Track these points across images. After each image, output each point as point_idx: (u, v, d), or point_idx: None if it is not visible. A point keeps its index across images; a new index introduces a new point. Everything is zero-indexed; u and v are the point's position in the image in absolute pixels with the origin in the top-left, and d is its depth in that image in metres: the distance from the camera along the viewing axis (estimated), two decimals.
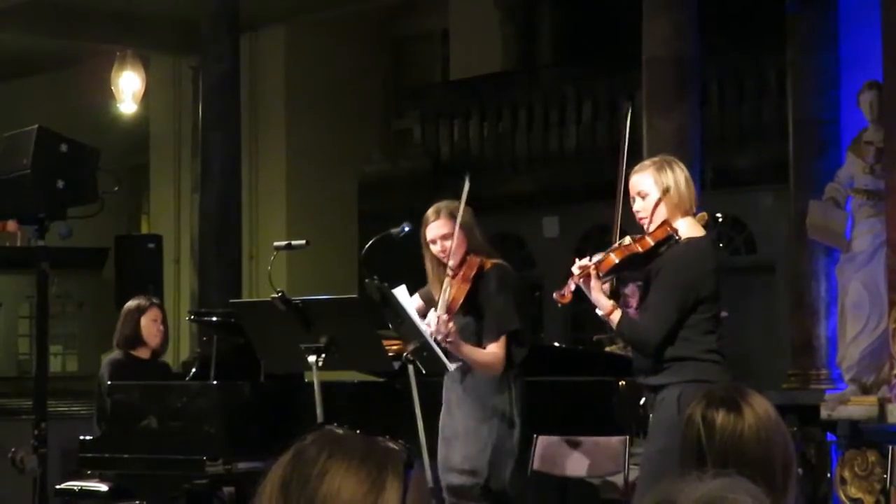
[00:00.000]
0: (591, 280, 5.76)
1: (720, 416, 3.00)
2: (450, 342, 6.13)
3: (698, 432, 3.00)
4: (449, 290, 6.24)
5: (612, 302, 5.83)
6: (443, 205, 6.39)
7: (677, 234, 5.79)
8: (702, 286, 5.74)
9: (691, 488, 1.95)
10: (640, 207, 5.84)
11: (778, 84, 13.09)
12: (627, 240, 5.85)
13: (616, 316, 5.81)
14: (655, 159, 5.96)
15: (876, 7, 9.57)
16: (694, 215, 5.86)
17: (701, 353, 5.73)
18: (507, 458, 6.27)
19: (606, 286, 5.89)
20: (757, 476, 2.84)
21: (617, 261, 5.80)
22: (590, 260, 5.83)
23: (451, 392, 6.38)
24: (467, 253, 6.33)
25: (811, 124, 11.15)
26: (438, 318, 6.13)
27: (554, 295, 5.96)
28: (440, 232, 6.30)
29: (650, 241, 5.79)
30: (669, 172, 5.79)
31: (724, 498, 1.93)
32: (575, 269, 5.83)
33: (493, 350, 6.26)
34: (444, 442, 6.37)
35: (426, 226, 6.36)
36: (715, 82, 14.05)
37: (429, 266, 6.41)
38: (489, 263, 6.34)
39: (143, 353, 8.62)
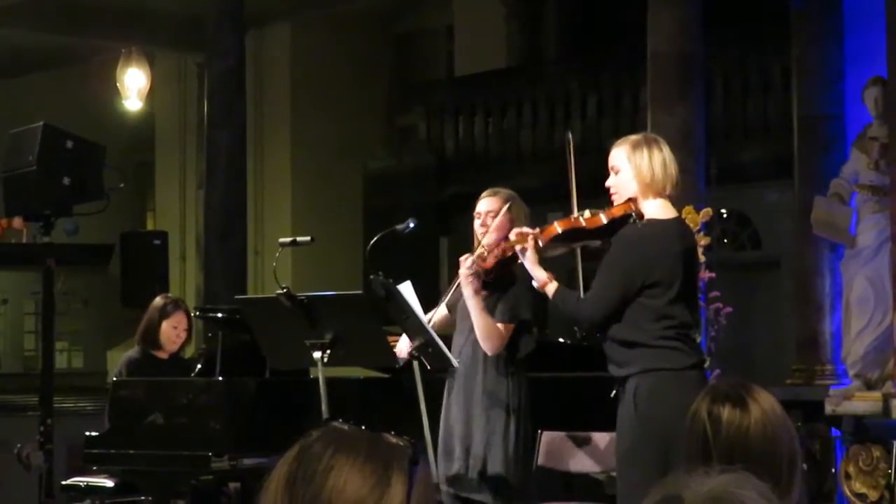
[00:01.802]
0: (528, 249, 5.70)
1: (726, 412, 3.00)
2: (472, 280, 6.18)
3: (704, 428, 3.00)
4: (485, 252, 6.32)
5: (547, 274, 5.73)
6: (504, 189, 6.50)
7: (638, 214, 5.65)
8: (651, 269, 5.55)
9: (697, 484, 1.95)
10: (612, 183, 5.71)
11: (783, 80, 13.08)
12: (586, 213, 5.75)
13: (551, 288, 5.71)
14: (637, 136, 5.80)
15: (881, 2, 9.56)
16: (670, 198, 5.70)
17: (653, 339, 5.55)
18: (506, 448, 6.28)
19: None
20: (762, 472, 2.84)
21: (559, 231, 5.71)
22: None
23: (452, 384, 6.40)
24: (502, 244, 6.38)
25: (816, 120, 11.15)
26: (473, 257, 6.21)
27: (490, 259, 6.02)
28: (488, 207, 6.39)
29: (603, 219, 5.68)
30: (645, 151, 5.64)
31: (731, 493, 1.93)
32: (511, 235, 5.79)
33: (500, 327, 6.30)
34: (445, 432, 6.39)
35: (479, 200, 6.47)
36: (720, 78, 14.04)
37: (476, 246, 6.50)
38: (489, 266, 6.41)
39: (161, 353, 8.58)
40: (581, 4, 16.62)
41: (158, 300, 8.66)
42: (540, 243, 5.72)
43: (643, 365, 5.57)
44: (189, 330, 8.67)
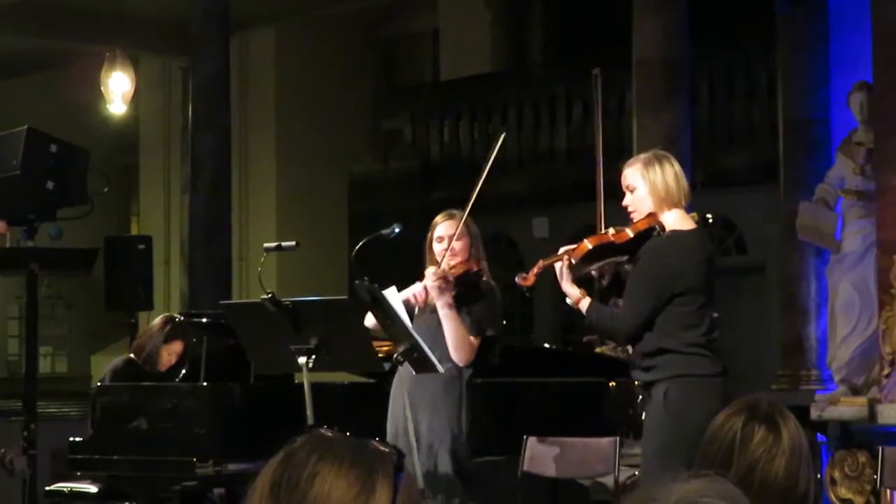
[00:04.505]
0: (563, 269, 5.83)
1: (760, 433, 2.95)
2: (443, 289, 6.28)
3: (733, 441, 2.96)
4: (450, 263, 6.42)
5: (579, 291, 5.88)
6: (457, 212, 6.58)
7: (661, 227, 5.81)
8: (679, 278, 5.73)
9: (664, 493, 1.92)
10: (629, 201, 5.89)
11: (768, 84, 13.10)
12: (611, 230, 5.90)
13: (584, 304, 5.87)
14: (647, 154, 6.00)
15: (866, 7, 9.57)
16: (686, 210, 5.88)
17: (683, 346, 5.73)
18: (458, 452, 6.35)
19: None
20: (774, 502, 2.83)
21: (590, 247, 5.85)
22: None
23: (400, 391, 6.42)
24: (467, 261, 6.46)
25: (801, 125, 11.16)
26: (437, 270, 6.31)
27: (516, 278, 6.06)
28: (452, 231, 6.47)
29: (629, 233, 5.84)
30: (657, 167, 5.83)
31: (697, 502, 1.90)
32: (561, 249, 5.90)
33: (471, 339, 6.38)
34: (392, 438, 6.41)
35: (436, 225, 6.55)
36: (705, 83, 14.06)
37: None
38: (485, 275, 6.52)
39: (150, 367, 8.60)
40: (566, 9, 16.63)
41: (161, 323, 8.65)
42: (573, 261, 5.83)
43: (674, 371, 5.72)
44: (183, 354, 8.68)
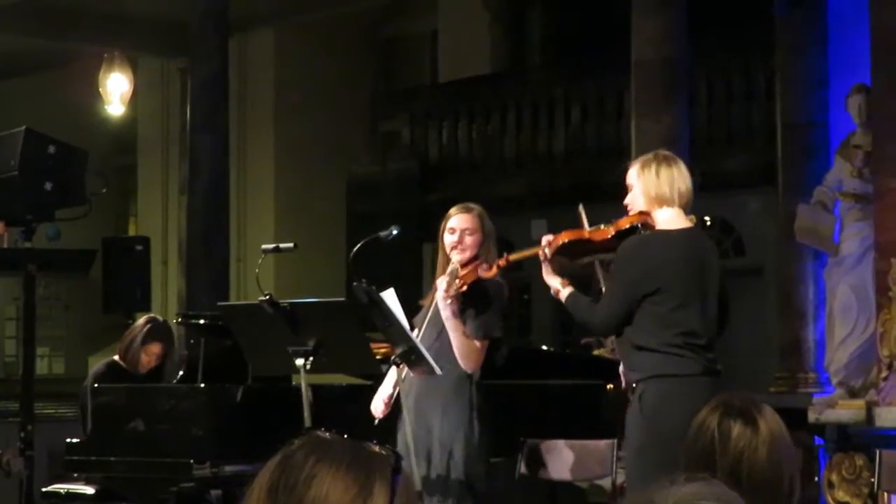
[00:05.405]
0: (542, 260, 5.94)
1: (737, 428, 2.98)
2: (451, 305, 6.28)
3: (712, 440, 2.98)
4: (460, 270, 6.38)
5: (560, 280, 5.97)
6: (475, 205, 6.58)
7: (646, 225, 5.84)
8: (652, 277, 5.74)
9: (661, 497, 1.92)
10: (628, 200, 5.94)
11: (767, 87, 13.09)
12: (601, 226, 5.96)
13: (564, 294, 5.96)
14: (648, 155, 6.05)
15: (865, 10, 9.57)
16: (684, 210, 5.87)
17: (660, 345, 5.74)
18: (469, 456, 6.33)
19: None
20: (764, 493, 2.84)
21: (563, 242, 5.92)
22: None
23: (410, 394, 6.41)
24: (475, 258, 6.42)
25: (800, 127, 11.16)
26: (448, 278, 6.28)
27: (479, 270, 6.18)
28: (465, 225, 6.44)
29: (611, 231, 5.90)
30: (653, 167, 5.87)
31: None
32: (543, 240, 5.97)
33: (476, 345, 6.34)
34: (405, 443, 6.40)
35: (450, 217, 6.51)
36: (704, 84, 14.06)
37: (441, 259, 6.55)
38: (492, 275, 6.46)
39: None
40: (565, 10, 16.63)
41: (142, 324, 8.70)
42: (547, 253, 5.92)
43: (650, 371, 5.74)
44: (164, 356, 8.70)
